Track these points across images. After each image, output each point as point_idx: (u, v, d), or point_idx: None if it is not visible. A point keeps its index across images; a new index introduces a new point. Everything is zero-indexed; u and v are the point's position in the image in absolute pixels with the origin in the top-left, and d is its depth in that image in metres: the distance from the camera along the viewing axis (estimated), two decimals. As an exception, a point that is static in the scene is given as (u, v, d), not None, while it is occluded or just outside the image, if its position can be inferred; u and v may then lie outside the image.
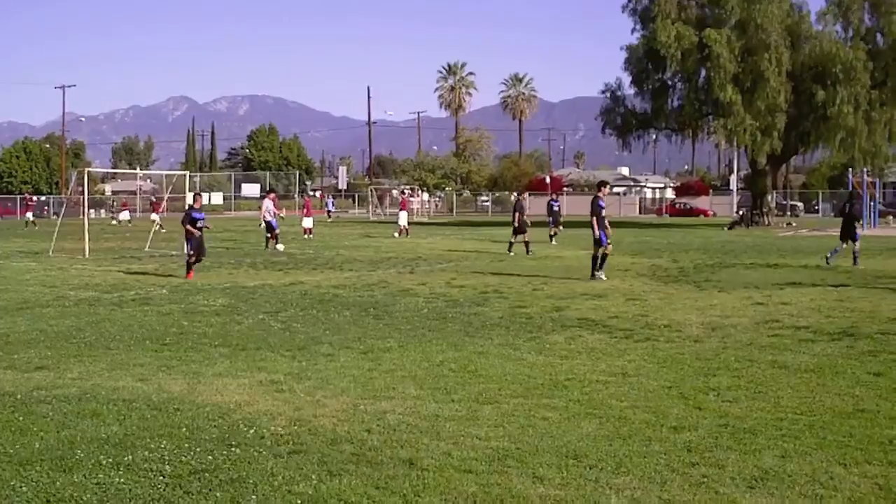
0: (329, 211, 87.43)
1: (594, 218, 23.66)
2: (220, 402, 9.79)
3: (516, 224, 34.75)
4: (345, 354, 12.33)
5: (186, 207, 26.09)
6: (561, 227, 44.27)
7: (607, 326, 15.23)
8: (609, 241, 23.97)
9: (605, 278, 23.68)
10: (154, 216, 58.35)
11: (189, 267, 24.02)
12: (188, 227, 24.32)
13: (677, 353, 12.76)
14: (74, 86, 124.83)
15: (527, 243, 34.56)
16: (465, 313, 16.79)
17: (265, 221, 36.99)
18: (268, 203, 36.91)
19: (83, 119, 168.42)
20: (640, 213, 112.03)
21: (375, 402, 9.86)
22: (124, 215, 73.10)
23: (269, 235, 37.81)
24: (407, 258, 31.69)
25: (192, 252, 24.23)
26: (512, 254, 34.14)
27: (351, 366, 11.52)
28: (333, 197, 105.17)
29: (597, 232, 23.71)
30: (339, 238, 47.36)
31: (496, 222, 74.47)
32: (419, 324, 15.43)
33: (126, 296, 19.61)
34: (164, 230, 51.49)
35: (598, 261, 23.98)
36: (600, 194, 24.13)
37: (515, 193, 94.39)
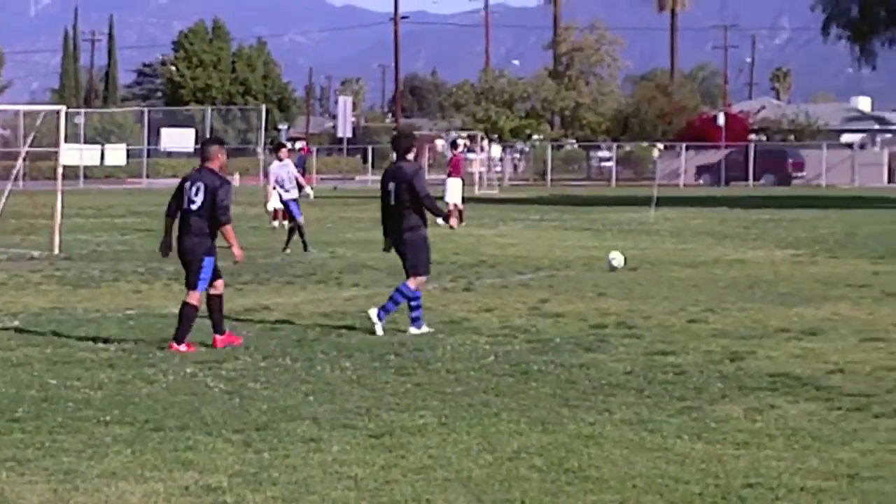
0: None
1: None
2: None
3: None
4: (341, 439, 9.36)
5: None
6: None
7: (823, 389, 11.20)
8: None
9: None
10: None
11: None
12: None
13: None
14: None
15: None
16: (563, 365, 12.47)
17: (286, 201, 26.23)
18: (288, 166, 26.65)
19: None
20: (889, 179, 76.16)
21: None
22: None
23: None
24: (460, 264, 23.64)
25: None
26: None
27: (351, 460, 8.75)
28: (312, 150, 68.87)
29: None
30: (336, 228, 35.61)
31: (628, 199, 53.67)
32: (478, 384, 11.42)
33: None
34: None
35: None
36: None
37: (659, 146, 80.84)
